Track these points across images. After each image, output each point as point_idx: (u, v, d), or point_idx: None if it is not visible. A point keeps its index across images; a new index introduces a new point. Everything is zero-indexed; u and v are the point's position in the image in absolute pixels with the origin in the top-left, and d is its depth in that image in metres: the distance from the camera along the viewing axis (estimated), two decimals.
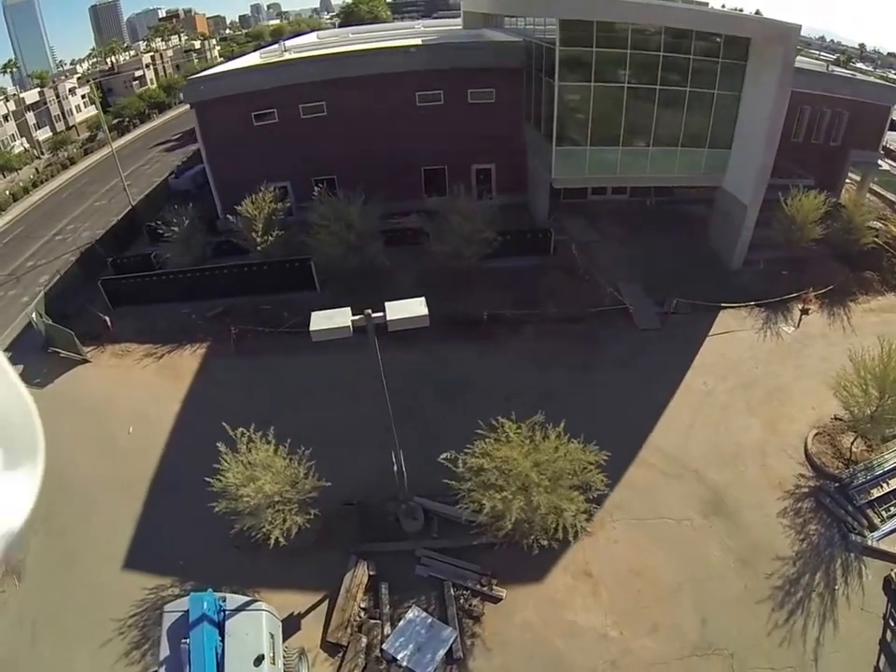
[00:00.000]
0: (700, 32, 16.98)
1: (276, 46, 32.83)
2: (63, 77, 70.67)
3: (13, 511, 1.14)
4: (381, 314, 8.47)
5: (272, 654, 9.15)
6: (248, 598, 10.06)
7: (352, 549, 12.02)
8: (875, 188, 24.36)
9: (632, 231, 21.14)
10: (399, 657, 10.44)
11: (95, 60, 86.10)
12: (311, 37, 37.34)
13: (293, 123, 22.47)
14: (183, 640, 8.74)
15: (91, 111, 65.00)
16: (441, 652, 10.44)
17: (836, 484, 12.82)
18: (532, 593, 11.34)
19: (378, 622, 10.99)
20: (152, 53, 77.74)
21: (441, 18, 55.30)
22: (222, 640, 9.02)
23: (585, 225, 21.41)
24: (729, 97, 17.91)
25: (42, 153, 56.00)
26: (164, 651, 9.00)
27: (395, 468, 11.35)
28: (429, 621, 10.91)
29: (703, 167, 18.94)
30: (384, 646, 10.60)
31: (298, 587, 11.73)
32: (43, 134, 58.83)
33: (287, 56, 26.14)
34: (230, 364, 18.40)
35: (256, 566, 12.02)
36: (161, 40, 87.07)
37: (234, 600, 9.75)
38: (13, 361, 20.13)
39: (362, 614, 11.20)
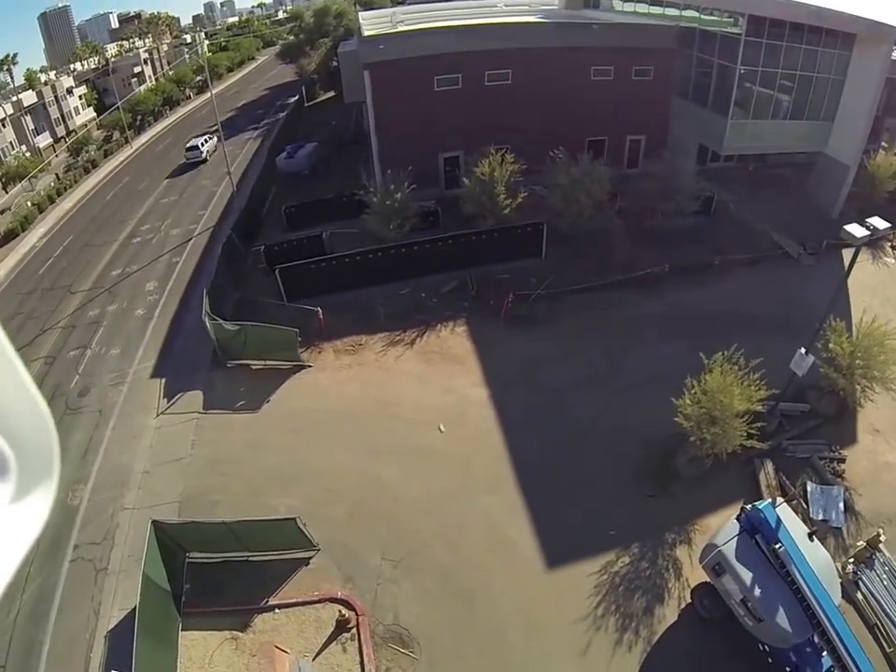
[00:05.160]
0: (829, 29, 21.70)
1: (384, 17, 30.57)
2: (57, 76, 59.64)
3: (28, 529, 0.97)
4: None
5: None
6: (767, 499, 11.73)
7: (747, 456, 14.07)
8: None
9: (749, 191, 25.90)
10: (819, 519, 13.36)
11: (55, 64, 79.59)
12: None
13: (477, 90, 22.45)
14: (776, 545, 10.34)
15: (90, 114, 56.87)
16: (841, 506, 13.56)
17: None
18: (856, 450, 15.67)
19: (795, 501, 13.29)
20: (149, 49, 71.29)
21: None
22: None
23: (718, 188, 25.63)
24: (839, 80, 23.12)
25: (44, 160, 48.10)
26: (745, 576, 10.28)
27: (799, 365, 14.33)
28: (819, 488, 14.06)
29: (816, 136, 24.23)
30: (810, 515, 13.40)
31: (718, 505, 13.52)
32: (43, 141, 49.86)
33: (400, 28, 25.30)
34: (510, 336, 18.19)
35: (677, 501, 13.63)
36: (140, 38, 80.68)
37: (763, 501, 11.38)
38: (174, 388, 17.17)
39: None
